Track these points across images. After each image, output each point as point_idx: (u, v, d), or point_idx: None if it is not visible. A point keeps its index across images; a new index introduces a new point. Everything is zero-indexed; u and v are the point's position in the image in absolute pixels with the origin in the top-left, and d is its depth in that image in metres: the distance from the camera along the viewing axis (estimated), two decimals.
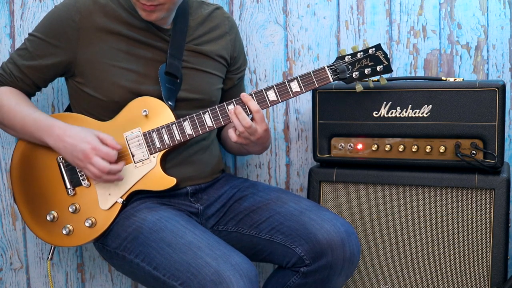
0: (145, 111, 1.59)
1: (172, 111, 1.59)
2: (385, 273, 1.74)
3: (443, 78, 1.72)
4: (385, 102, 1.71)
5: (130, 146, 1.59)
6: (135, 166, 1.59)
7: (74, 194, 1.62)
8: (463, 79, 1.71)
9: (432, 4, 1.92)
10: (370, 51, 1.59)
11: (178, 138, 1.58)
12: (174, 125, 1.58)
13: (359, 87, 1.61)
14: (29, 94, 1.69)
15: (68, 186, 1.61)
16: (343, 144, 1.77)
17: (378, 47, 1.59)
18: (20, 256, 2.09)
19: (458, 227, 1.66)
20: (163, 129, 1.58)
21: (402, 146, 1.70)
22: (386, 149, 1.72)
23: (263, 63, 2.05)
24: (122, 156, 1.58)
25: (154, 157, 1.59)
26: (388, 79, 1.73)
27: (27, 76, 1.63)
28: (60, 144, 1.54)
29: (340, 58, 1.60)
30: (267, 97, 1.57)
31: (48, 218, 1.61)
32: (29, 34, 1.64)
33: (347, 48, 1.96)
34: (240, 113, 1.53)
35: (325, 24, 2.01)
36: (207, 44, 1.72)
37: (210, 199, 1.72)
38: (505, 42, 1.89)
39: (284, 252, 1.58)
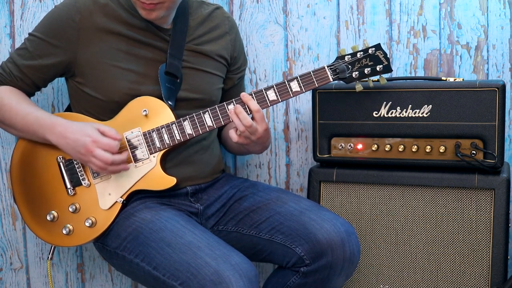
0: (145, 110, 1.59)
1: (172, 110, 1.59)
2: (385, 273, 1.74)
3: (443, 78, 1.72)
4: (385, 102, 1.70)
5: (130, 146, 1.59)
6: (135, 166, 1.59)
7: (74, 194, 1.62)
8: (463, 79, 1.71)
9: (432, 4, 1.92)
10: (370, 51, 1.59)
11: (178, 137, 1.58)
12: (174, 124, 1.58)
13: (359, 87, 1.61)
14: (29, 94, 1.69)
15: (68, 186, 1.61)
16: (343, 144, 1.77)
17: (377, 46, 1.59)
18: (20, 256, 2.09)
19: (458, 227, 1.66)
20: (163, 129, 1.58)
21: (402, 146, 1.70)
22: (386, 149, 1.72)
23: (263, 63, 2.05)
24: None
25: (154, 156, 1.59)
26: (388, 79, 1.73)
27: (26, 76, 1.63)
28: (63, 141, 1.55)
29: (340, 58, 1.60)
30: (267, 96, 1.57)
31: (48, 218, 1.61)
32: (29, 34, 1.64)
33: (347, 48, 1.96)
34: (241, 112, 1.53)
35: (325, 24, 2.01)
36: (207, 44, 1.72)
37: (210, 199, 1.72)
38: (505, 42, 1.89)
39: (284, 252, 1.58)
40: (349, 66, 1.59)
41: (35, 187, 1.65)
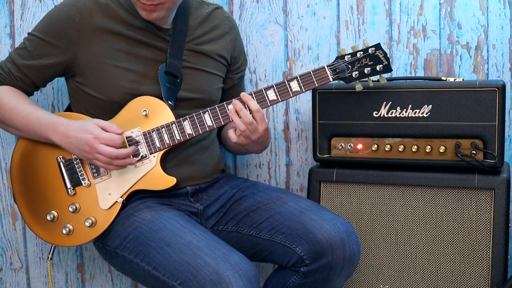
0: (145, 110, 1.59)
1: (172, 110, 1.59)
2: (385, 273, 1.74)
3: (443, 78, 1.72)
4: (385, 102, 1.70)
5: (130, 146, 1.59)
6: (135, 165, 1.59)
7: (74, 194, 1.62)
8: (463, 79, 1.71)
9: (432, 4, 1.92)
10: (369, 51, 1.59)
11: (178, 137, 1.58)
12: (174, 124, 1.58)
13: (359, 87, 1.61)
14: (28, 94, 1.69)
15: (68, 185, 1.61)
16: (343, 144, 1.77)
17: (377, 46, 1.59)
18: (20, 256, 2.09)
19: (458, 227, 1.66)
20: (163, 129, 1.58)
21: (402, 146, 1.70)
22: (386, 149, 1.72)
23: (263, 63, 2.05)
24: None
25: (154, 156, 1.59)
26: (388, 79, 1.73)
27: (26, 75, 1.63)
28: (66, 141, 1.55)
29: (340, 57, 1.60)
30: (267, 96, 1.57)
31: (48, 217, 1.61)
32: (29, 34, 1.64)
33: (347, 48, 1.96)
34: (242, 109, 1.53)
35: (325, 24, 2.01)
36: (207, 44, 1.72)
37: (210, 199, 1.72)
38: (505, 42, 1.89)
39: (284, 252, 1.58)
40: (349, 66, 1.59)
41: (35, 187, 1.65)
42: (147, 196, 1.63)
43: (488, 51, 1.90)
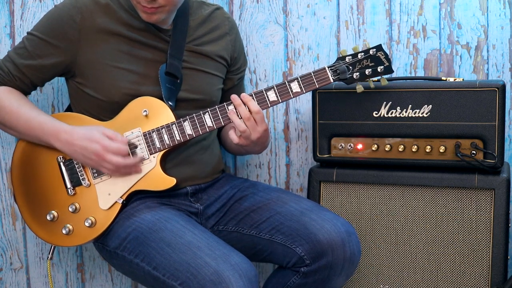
0: (145, 111, 1.59)
1: (172, 111, 1.59)
2: (385, 273, 1.74)
3: (443, 78, 1.72)
4: (385, 102, 1.71)
5: (130, 146, 1.59)
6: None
7: (74, 194, 1.62)
8: (463, 79, 1.71)
9: (432, 4, 1.92)
10: (371, 52, 1.59)
11: (178, 138, 1.58)
12: (174, 125, 1.58)
13: (359, 88, 1.61)
14: (25, 93, 1.68)
15: (68, 185, 1.61)
16: (343, 144, 1.77)
17: (379, 47, 1.59)
18: (20, 256, 2.08)
19: (458, 227, 1.66)
20: (163, 129, 1.58)
21: (402, 146, 1.70)
22: (386, 149, 1.72)
23: (263, 63, 2.05)
24: None
25: (154, 157, 1.59)
26: (388, 79, 1.73)
27: (25, 75, 1.63)
28: (70, 149, 1.55)
29: (341, 58, 1.60)
30: (267, 97, 1.57)
31: (48, 217, 1.61)
32: (28, 33, 1.63)
33: (347, 48, 1.96)
34: (240, 105, 1.53)
35: (325, 24, 2.01)
36: (207, 45, 1.72)
37: (210, 199, 1.72)
38: (505, 42, 1.89)
39: (284, 252, 1.58)
40: (350, 67, 1.59)
41: (35, 187, 1.65)
42: (147, 196, 1.63)
43: (488, 51, 1.90)
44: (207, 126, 1.58)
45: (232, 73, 1.83)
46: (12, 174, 1.68)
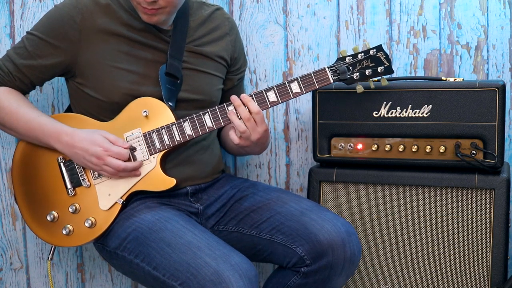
0: (145, 111, 1.59)
1: (172, 111, 1.59)
2: (385, 273, 1.74)
3: (443, 78, 1.72)
4: (385, 102, 1.71)
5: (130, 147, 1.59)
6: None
7: (74, 195, 1.62)
8: (463, 79, 1.71)
9: (432, 4, 1.92)
10: (371, 52, 1.59)
11: (178, 138, 1.58)
12: (174, 125, 1.58)
13: (359, 88, 1.61)
14: (24, 93, 1.68)
15: (69, 186, 1.62)
16: (343, 144, 1.77)
17: (379, 48, 1.59)
18: (20, 256, 2.09)
19: (458, 227, 1.66)
20: (163, 130, 1.58)
21: (402, 146, 1.70)
22: (386, 149, 1.72)
23: (263, 63, 2.05)
24: None
25: (154, 157, 1.59)
26: (388, 79, 1.73)
27: (25, 75, 1.63)
28: (71, 151, 1.55)
29: (341, 59, 1.60)
30: (267, 98, 1.57)
31: (48, 218, 1.62)
32: (28, 33, 1.63)
33: (348, 48, 1.96)
34: (240, 105, 1.53)
35: (325, 24, 2.01)
36: (207, 45, 1.72)
37: (210, 199, 1.72)
38: (505, 42, 1.89)
39: (284, 252, 1.58)
40: (350, 67, 1.59)
41: (36, 187, 1.65)
42: (147, 197, 1.63)
43: (488, 51, 1.90)
44: (207, 127, 1.58)
45: (232, 73, 1.83)
46: (12, 174, 1.68)
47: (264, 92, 1.57)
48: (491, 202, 1.62)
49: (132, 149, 1.58)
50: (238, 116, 1.55)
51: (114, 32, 1.59)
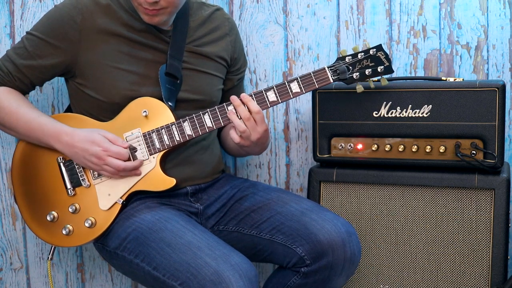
0: (145, 111, 1.59)
1: (172, 111, 1.59)
2: (385, 273, 1.74)
3: (443, 78, 1.72)
4: (385, 102, 1.71)
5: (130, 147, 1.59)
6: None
7: (74, 195, 1.62)
8: (463, 79, 1.71)
9: (432, 4, 1.92)
10: (371, 52, 1.59)
11: (178, 138, 1.58)
12: (174, 125, 1.58)
13: (359, 88, 1.61)
14: (24, 92, 1.68)
15: (68, 186, 1.62)
16: (343, 144, 1.77)
17: (379, 47, 1.59)
18: (20, 256, 2.09)
19: (458, 227, 1.66)
20: (163, 130, 1.58)
21: (402, 146, 1.70)
22: (386, 149, 1.72)
23: (263, 63, 2.05)
24: None
25: (154, 157, 1.59)
26: (388, 79, 1.73)
27: (25, 75, 1.63)
28: (71, 151, 1.55)
29: (341, 58, 1.60)
30: (267, 97, 1.57)
31: (48, 218, 1.62)
32: (28, 33, 1.62)
33: (347, 48, 1.96)
34: (239, 105, 1.53)
35: (325, 24, 2.01)
36: (207, 46, 1.72)
37: (210, 199, 1.72)
38: (505, 42, 1.89)
39: (284, 252, 1.58)
40: (350, 67, 1.59)
41: (36, 187, 1.65)
42: (147, 197, 1.63)
43: (488, 51, 1.90)
44: (207, 127, 1.58)
45: (232, 73, 1.83)
46: (12, 174, 1.68)
47: (264, 92, 1.57)
48: (491, 202, 1.62)
49: (132, 149, 1.59)
50: (238, 116, 1.55)
51: (114, 32, 1.59)
